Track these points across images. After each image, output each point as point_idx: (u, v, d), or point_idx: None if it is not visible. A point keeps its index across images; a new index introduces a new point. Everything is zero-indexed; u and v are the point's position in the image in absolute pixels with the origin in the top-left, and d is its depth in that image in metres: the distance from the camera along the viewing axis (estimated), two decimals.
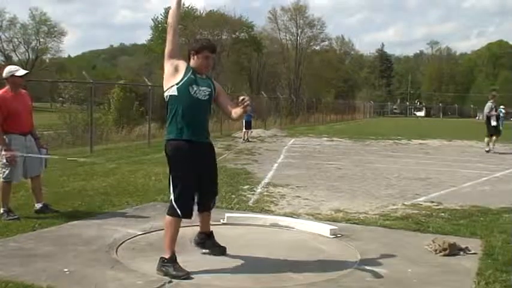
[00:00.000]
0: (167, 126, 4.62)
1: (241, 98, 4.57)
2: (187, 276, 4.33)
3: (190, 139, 4.53)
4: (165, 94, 4.59)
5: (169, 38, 4.67)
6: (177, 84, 4.51)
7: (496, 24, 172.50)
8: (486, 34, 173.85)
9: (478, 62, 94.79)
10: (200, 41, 4.79)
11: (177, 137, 4.53)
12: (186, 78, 4.52)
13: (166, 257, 4.47)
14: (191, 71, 4.58)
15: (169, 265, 4.41)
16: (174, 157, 4.55)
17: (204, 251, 5.08)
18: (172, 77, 4.55)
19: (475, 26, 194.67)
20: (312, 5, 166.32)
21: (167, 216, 4.59)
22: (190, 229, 6.02)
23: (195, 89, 4.54)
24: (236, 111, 4.67)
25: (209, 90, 4.65)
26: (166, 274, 4.35)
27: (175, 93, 4.51)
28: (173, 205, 4.52)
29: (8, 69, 6.40)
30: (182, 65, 4.58)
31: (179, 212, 4.51)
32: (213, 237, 5.12)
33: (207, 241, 5.08)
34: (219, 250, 5.05)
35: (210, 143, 4.84)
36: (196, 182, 4.62)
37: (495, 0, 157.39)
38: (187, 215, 4.59)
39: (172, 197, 4.54)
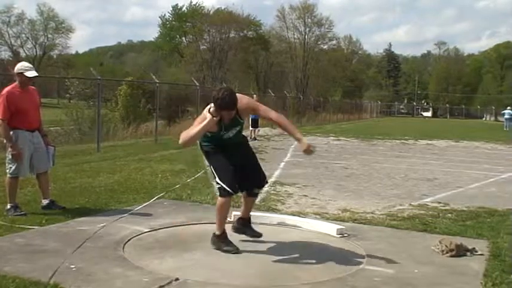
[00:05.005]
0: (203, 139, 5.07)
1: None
2: (236, 251, 4.97)
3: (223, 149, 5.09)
4: None
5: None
6: (210, 133, 4.97)
7: (508, 25, 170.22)
8: (498, 35, 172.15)
9: (486, 63, 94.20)
10: (218, 101, 4.77)
11: (212, 148, 5.10)
12: (215, 132, 4.95)
13: (218, 233, 5.08)
14: (220, 125, 4.91)
15: (221, 241, 5.05)
16: (208, 152, 5.12)
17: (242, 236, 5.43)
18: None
19: (487, 26, 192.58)
20: (323, 4, 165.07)
21: (219, 198, 5.03)
22: (196, 227, 6.05)
23: (226, 133, 5.00)
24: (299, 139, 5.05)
25: (238, 126, 5.09)
26: (218, 248, 5.03)
27: (209, 134, 4.99)
28: (221, 186, 4.95)
29: (20, 66, 6.41)
30: (211, 123, 4.84)
31: (228, 188, 4.92)
32: (251, 223, 5.49)
33: (245, 228, 5.44)
34: (256, 234, 5.42)
35: (242, 139, 5.32)
36: (234, 169, 4.99)
37: (509, 0, 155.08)
38: (235, 189, 4.99)
39: (217, 179, 4.98)
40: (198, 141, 5.10)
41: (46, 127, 7.41)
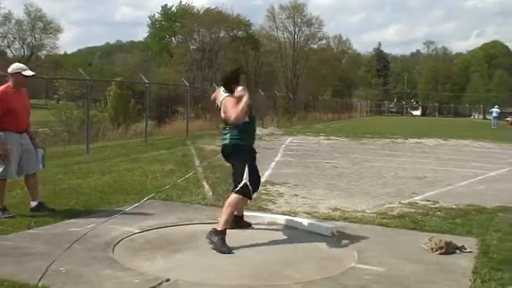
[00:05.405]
0: (234, 133, 5.44)
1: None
2: (229, 251, 5.01)
3: (251, 143, 5.71)
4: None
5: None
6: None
7: (496, 24, 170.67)
8: (486, 34, 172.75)
9: (474, 62, 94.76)
10: (233, 74, 5.51)
11: (246, 143, 5.56)
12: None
13: (219, 229, 5.16)
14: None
15: (220, 238, 5.09)
16: (245, 155, 5.51)
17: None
18: None
19: (476, 26, 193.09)
20: (313, 3, 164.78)
21: (237, 195, 5.32)
22: (187, 227, 6.05)
23: (254, 116, 5.61)
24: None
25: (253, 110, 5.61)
26: (213, 243, 5.09)
27: (241, 127, 5.42)
28: (248, 186, 5.30)
29: (16, 66, 6.39)
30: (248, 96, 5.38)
31: (252, 190, 5.42)
32: (243, 219, 6.03)
33: (236, 222, 5.79)
34: (246, 225, 6.00)
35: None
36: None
37: (497, 0, 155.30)
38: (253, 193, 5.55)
39: (246, 180, 5.29)
40: (227, 140, 5.47)
41: (34, 128, 7.34)
